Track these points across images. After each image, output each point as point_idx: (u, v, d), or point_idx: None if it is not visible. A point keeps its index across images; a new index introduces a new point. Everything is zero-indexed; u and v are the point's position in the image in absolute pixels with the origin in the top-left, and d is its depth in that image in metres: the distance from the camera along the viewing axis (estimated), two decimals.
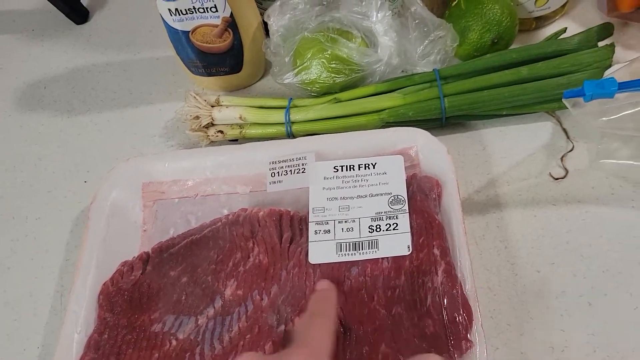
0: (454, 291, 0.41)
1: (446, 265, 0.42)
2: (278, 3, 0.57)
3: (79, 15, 0.73)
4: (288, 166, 0.50)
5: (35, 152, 0.62)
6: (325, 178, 0.48)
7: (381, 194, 0.47)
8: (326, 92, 0.56)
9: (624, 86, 0.43)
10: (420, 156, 0.50)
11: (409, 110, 0.53)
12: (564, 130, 0.53)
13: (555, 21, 0.62)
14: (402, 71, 0.58)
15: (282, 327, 0.42)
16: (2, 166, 0.61)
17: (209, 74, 0.60)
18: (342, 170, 0.49)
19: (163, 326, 0.43)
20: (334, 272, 0.44)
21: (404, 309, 0.41)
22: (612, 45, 0.53)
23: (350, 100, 0.55)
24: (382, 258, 0.44)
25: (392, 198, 0.46)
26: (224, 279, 0.45)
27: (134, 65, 0.68)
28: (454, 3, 0.58)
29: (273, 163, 0.50)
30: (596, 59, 0.53)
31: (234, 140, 0.58)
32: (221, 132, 0.56)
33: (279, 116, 0.55)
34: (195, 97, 0.56)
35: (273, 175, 0.50)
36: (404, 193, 0.46)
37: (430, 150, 0.49)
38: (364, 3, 0.56)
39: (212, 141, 0.57)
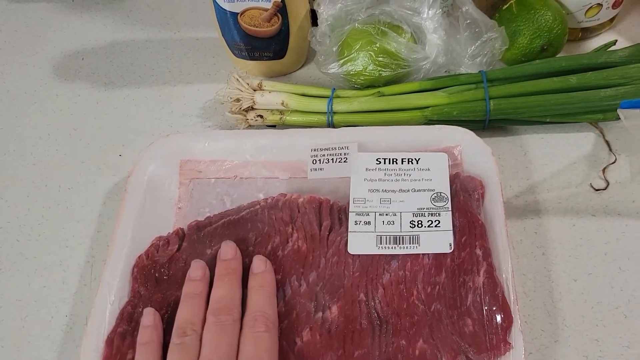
0: (496, 292, 0.41)
1: (488, 267, 0.42)
2: None
3: None
4: (330, 154, 0.49)
5: (70, 122, 0.61)
6: (367, 169, 0.48)
7: (424, 190, 0.47)
8: (369, 85, 0.56)
9: None
10: (463, 156, 0.49)
11: (453, 110, 0.53)
12: (607, 142, 0.53)
13: (602, 34, 0.62)
14: (446, 71, 0.58)
15: (320, 314, 0.41)
16: (37, 133, 0.61)
17: (252, 58, 0.60)
18: (384, 163, 0.48)
19: None
20: (373, 264, 0.43)
21: (444, 306, 0.41)
22: None
23: (394, 95, 0.55)
24: (423, 254, 0.43)
25: (435, 195, 0.46)
26: None
27: (174, 44, 0.68)
28: (505, 6, 0.58)
29: (315, 150, 0.50)
30: None
31: (272, 126, 0.57)
32: (261, 116, 0.56)
33: (321, 105, 0.55)
34: (238, 80, 0.56)
35: (314, 162, 0.49)
36: (447, 191, 0.46)
37: (475, 150, 0.49)
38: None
39: (250, 125, 0.57)
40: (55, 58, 0.68)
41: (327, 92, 0.55)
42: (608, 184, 0.51)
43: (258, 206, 0.48)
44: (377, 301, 0.42)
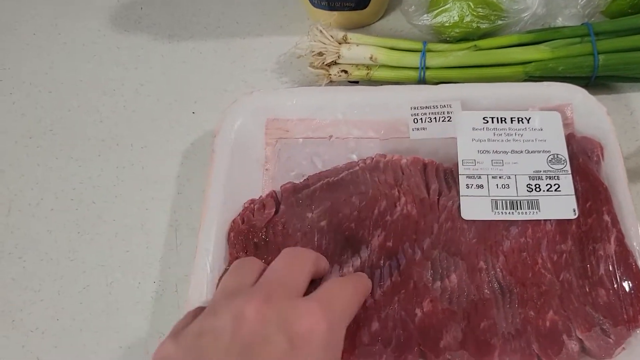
0: (629, 261, 0.38)
1: (618, 234, 0.39)
2: None
3: None
4: (432, 113, 0.46)
5: (135, 76, 0.58)
6: (474, 129, 0.45)
7: (538, 152, 0.44)
8: (463, 38, 0.52)
9: None
10: (575, 116, 0.46)
11: (558, 65, 0.49)
12: None
13: None
14: (542, 24, 0.54)
15: (439, 284, 0.39)
16: (100, 89, 0.57)
17: (332, 8, 0.55)
18: (492, 122, 0.45)
19: None
20: (491, 230, 0.41)
21: (573, 276, 0.39)
22: None
23: (492, 49, 0.51)
24: (545, 220, 0.41)
25: (552, 157, 0.43)
26: (369, 228, 0.42)
27: None
28: None
29: (415, 109, 0.46)
30: None
31: (355, 82, 0.54)
32: (345, 71, 0.52)
33: (413, 60, 0.51)
34: (321, 32, 0.52)
35: (415, 121, 0.46)
36: (564, 153, 0.43)
37: (588, 109, 0.46)
38: None
39: (332, 81, 0.53)
40: (111, 8, 0.63)
41: (419, 46, 0.52)
42: None
43: (357, 167, 0.45)
44: (498, 269, 0.39)
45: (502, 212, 0.41)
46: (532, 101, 0.46)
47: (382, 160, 0.45)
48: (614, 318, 0.37)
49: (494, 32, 0.53)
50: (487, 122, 0.45)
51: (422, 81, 0.51)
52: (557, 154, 0.43)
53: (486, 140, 0.44)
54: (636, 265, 0.38)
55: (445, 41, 0.53)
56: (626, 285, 0.37)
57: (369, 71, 0.52)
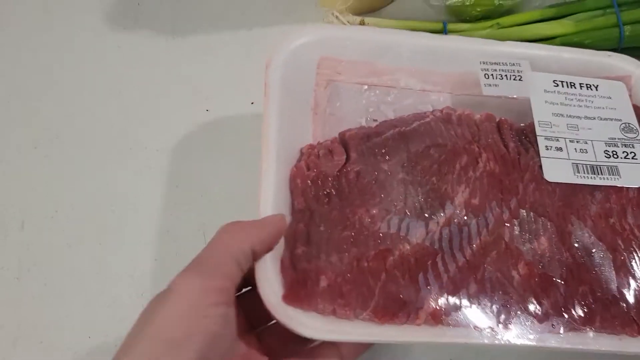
0: None
1: None
2: None
3: None
4: (502, 70, 0.43)
5: (141, 75, 0.51)
6: (545, 91, 0.43)
7: (610, 119, 0.43)
8: (483, 17, 0.50)
9: None
10: (635, 88, 0.46)
11: (584, 39, 0.49)
12: None
13: None
14: None
15: (529, 246, 0.36)
16: (105, 90, 0.50)
17: None
18: (562, 86, 0.43)
19: (388, 227, 0.36)
20: (576, 194, 0.39)
21: None
22: None
23: (514, 27, 0.50)
24: (627, 187, 0.40)
25: (624, 125, 0.42)
26: (452, 183, 0.38)
27: None
28: None
29: (485, 64, 0.43)
30: None
31: None
32: None
33: None
34: (337, 18, 0.48)
35: (487, 77, 0.43)
36: (634, 122, 0.43)
37: None
38: None
39: None
40: (107, 4, 0.55)
41: (439, 26, 0.49)
42: None
43: (428, 118, 0.41)
44: (587, 234, 0.38)
45: (584, 176, 0.39)
46: (595, 70, 0.45)
47: (453, 114, 0.41)
48: None
49: (515, 9, 0.52)
50: (558, 85, 0.43)
51: None
52: (629, 123, 0.42)
53: (559, 103, 0.43)
54: None
55: (465, 21, 0.50)
56: None
57: None
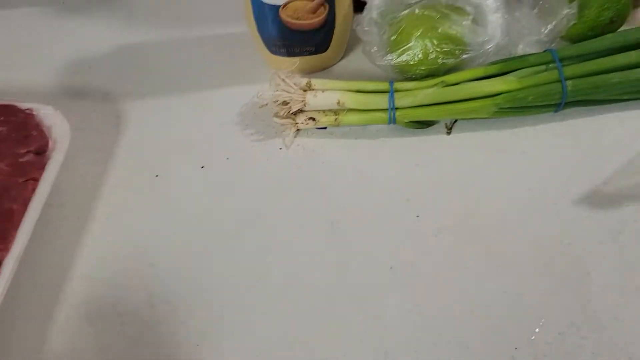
0: None
1: None
2: None
3: None
4: None
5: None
6: None
7: None
8: (428, 75, 0.51)
9: None
10: None
11: (528, 95, 0.48)
12: None
13: None
14: (506, 54, 0.53)
15: None
16: None
17: (291, 54, 0.54)
18: None
19: None
20: None
21: None
22: None
23: (460, 84, 0.50)
24: None
25: None
26: None
27: (189, 44, 0.61)
28: None
29: None
30: None
31: (323, 128, 0.52)
32: (312, 119, 0.50)
33: (382, 101, 0.49)
34: (284, 80, 0.50)
35: None
36: None
37: None
38: None
39: (299, 129, 0.52)
40: (57, 69, 0.60)
41: (386, 86, 0.50)
42: None
43: None
44: None
45: None
46: None
47: None
48: None
49: (461, 67, 0.52)
50: None
51: (392, 121, 0.50)
52: None
53: None
54: None
55: (412, 79, 0.51)
56: None
57: (337, 116, 0.50)
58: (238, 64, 0.58)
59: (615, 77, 0.48)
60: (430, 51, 0.49)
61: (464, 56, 0.50)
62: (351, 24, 0.53)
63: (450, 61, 0.50)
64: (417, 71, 0.50)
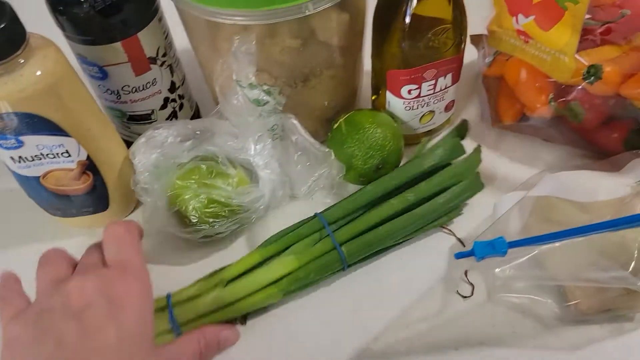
0: None
1: None
2: (143, 139, 0.50)
3: None
4: None
5: None
6: None
7: None
8: (204, 236, 0.49)
9: (514, 245, 0.40)
10: None
11: (309, 273, 0.48)
12: (460, 240, 0.52)
13: (444, 130, 0.59)
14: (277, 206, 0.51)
15: None
16: None
17: (71, 216, 0.53)
18: None
19: None
20: None
21: None
22: (478, 148, 0.55)
23: (239, 279, 0.47)
24: None
25: None
26: None
27: None
28: (336, 125, 0.53)
29: None
30: (469, 166, 0.54)
31: None
32: None
33: (162, 323, 0.45)
34: None
35: None
36: None
37: None
38: (239, 138, 0.50)
39: None
40: None
41: (163, 303, 0.45)
42: (473, 287, 0.48)
43: None
44: None
45: None
46: None
47: None
48: None
49: (240, 223, 0.50)
50: None
51: (177, 332, 0.45)
52: None
53: None
54: None
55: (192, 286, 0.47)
56: None
57: None
58: (23, 220, 0.56)
59: (384, 229, 0.49)
60: (199, 217, 0.48)
61: (236, 216, 0.49)
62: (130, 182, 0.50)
63: (221, 224, 0.48)
64: (196, 236, 0.49)
